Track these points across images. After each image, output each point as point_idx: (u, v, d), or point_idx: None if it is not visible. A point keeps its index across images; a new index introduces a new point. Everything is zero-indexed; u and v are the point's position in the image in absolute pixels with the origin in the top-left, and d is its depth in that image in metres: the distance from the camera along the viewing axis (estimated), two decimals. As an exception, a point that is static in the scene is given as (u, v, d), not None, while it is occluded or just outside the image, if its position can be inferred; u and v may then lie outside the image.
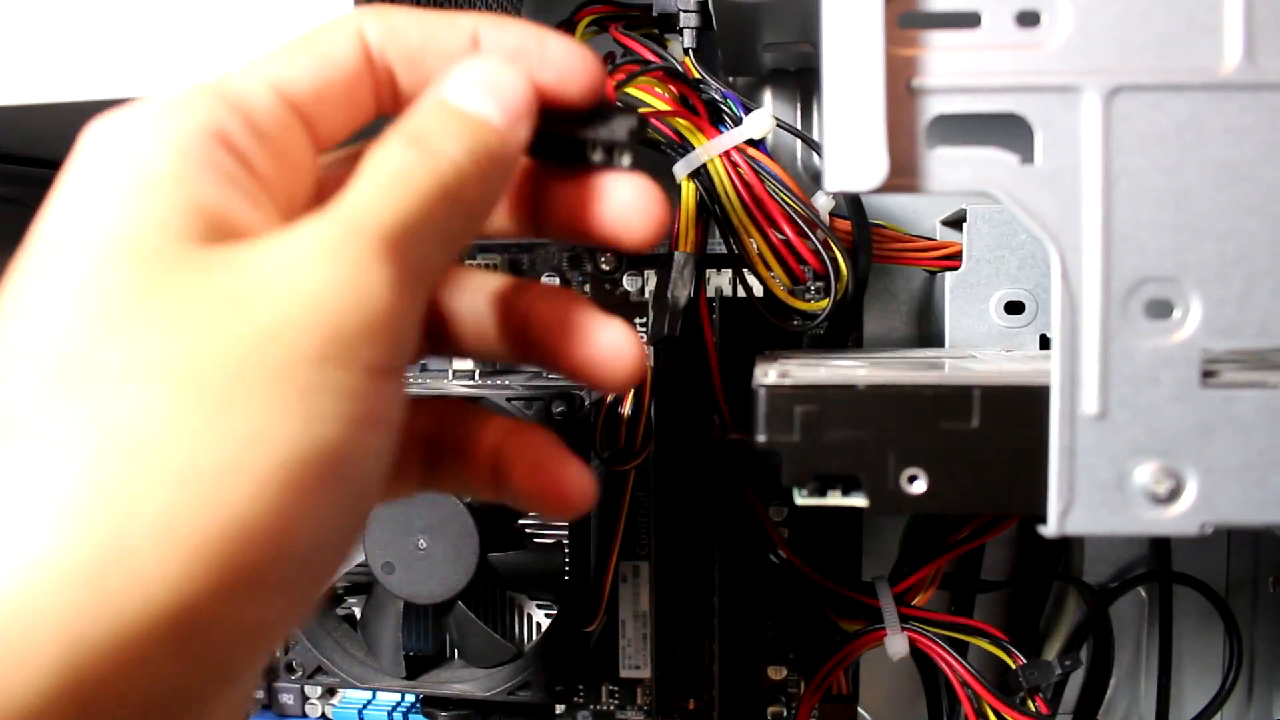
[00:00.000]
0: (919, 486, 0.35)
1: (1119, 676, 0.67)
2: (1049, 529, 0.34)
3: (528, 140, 0.31)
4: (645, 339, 0.58)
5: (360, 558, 0.54)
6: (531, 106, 0.31)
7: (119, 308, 0.23)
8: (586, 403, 0.57)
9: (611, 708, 0.67)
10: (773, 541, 0.53)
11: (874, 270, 0.62)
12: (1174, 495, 0.34)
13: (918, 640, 0.50)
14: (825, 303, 0.47)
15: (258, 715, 0.69)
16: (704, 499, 0.59)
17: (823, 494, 0.36)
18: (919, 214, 0.63)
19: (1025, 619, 0.66)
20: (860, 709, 0.68)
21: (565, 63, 0.32)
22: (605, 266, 0.64)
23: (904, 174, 0.34)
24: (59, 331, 0.23)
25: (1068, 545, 0.64)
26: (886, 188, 0.34)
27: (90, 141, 0.26)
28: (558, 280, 0.64)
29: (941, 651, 0.50)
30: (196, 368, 0.22)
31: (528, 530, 0.57)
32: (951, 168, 0.34)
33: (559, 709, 0.64)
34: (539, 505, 0.35)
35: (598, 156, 0.32)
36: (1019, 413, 0.35)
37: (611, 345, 0.33)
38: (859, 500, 0.36)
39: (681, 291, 0.47)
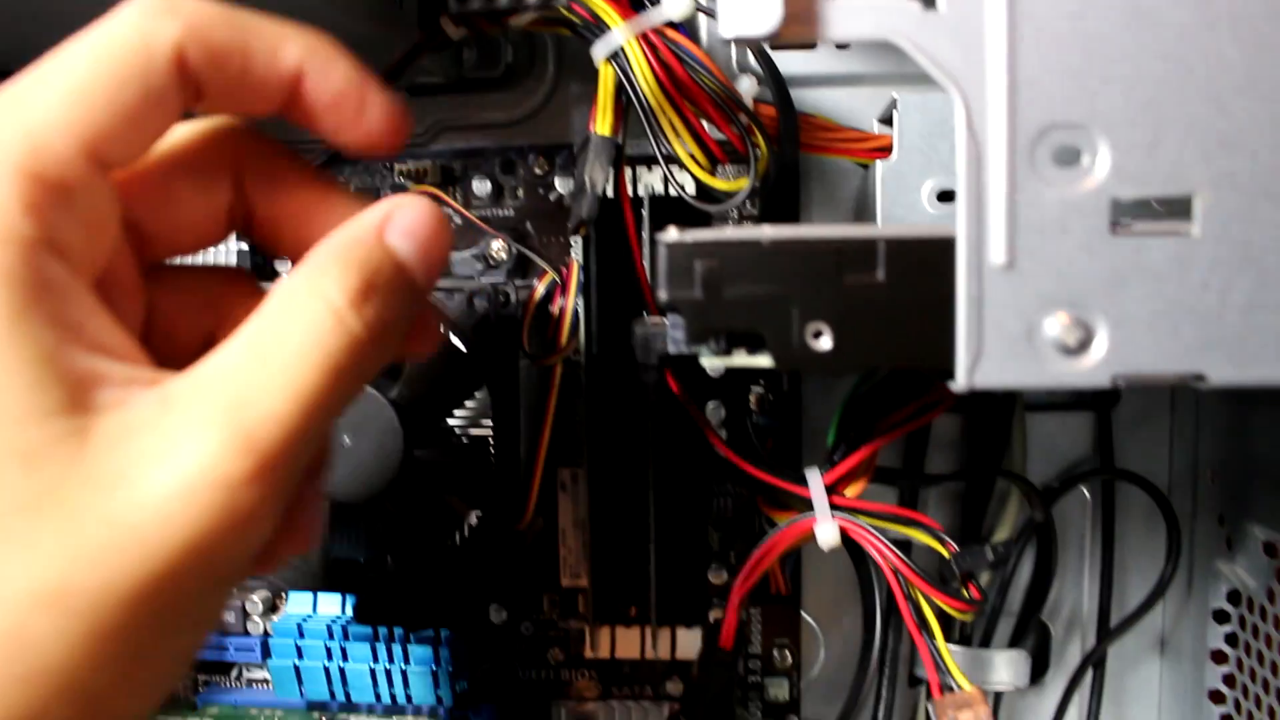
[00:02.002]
0: (825, 343, 0.35)
1: (1064, 576, 0.67)
2: (958, 382, 0.34)
3: None
4: (570, 231, 0.57)
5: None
6: None
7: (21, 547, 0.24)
8: (513, 298, 0.56)
9: (554, 617, 0.67)
10: (707, 438, 0.52)
11: (815, 173, 0.61)
12: (1084, 346, 0.33)
13: (849, 529, 0.50)
14: (744, 181, 0.46)
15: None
16: (640, 401, 0.58)
17: (728, 353, 0.36)
18: (855, 114, 0.62)
19: (970, 522, 0.65)
20: (804, 613, 0.68)
21: (381, 123, 0.31)
22: (538, 170, 0.63)
23: (802, 22, 0.33)
24: None
25: (1009, 443, 0.64)
26: (784, 36, 0.33)
27: None
28: (489, 185, 0.63)
29: (872, 538, 0.49)
30: (75, 592, 0.24)
31: (455, 428, 0.56)
32: (851, 16, 0.33)
33: (499, 614, 0.64)
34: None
35: None
36: (925, 265, 0.34)
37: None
38: (764, 359, 0.35)
39: (599, 175, 0.46)
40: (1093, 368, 0.34)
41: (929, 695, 0.51)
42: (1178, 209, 0.34)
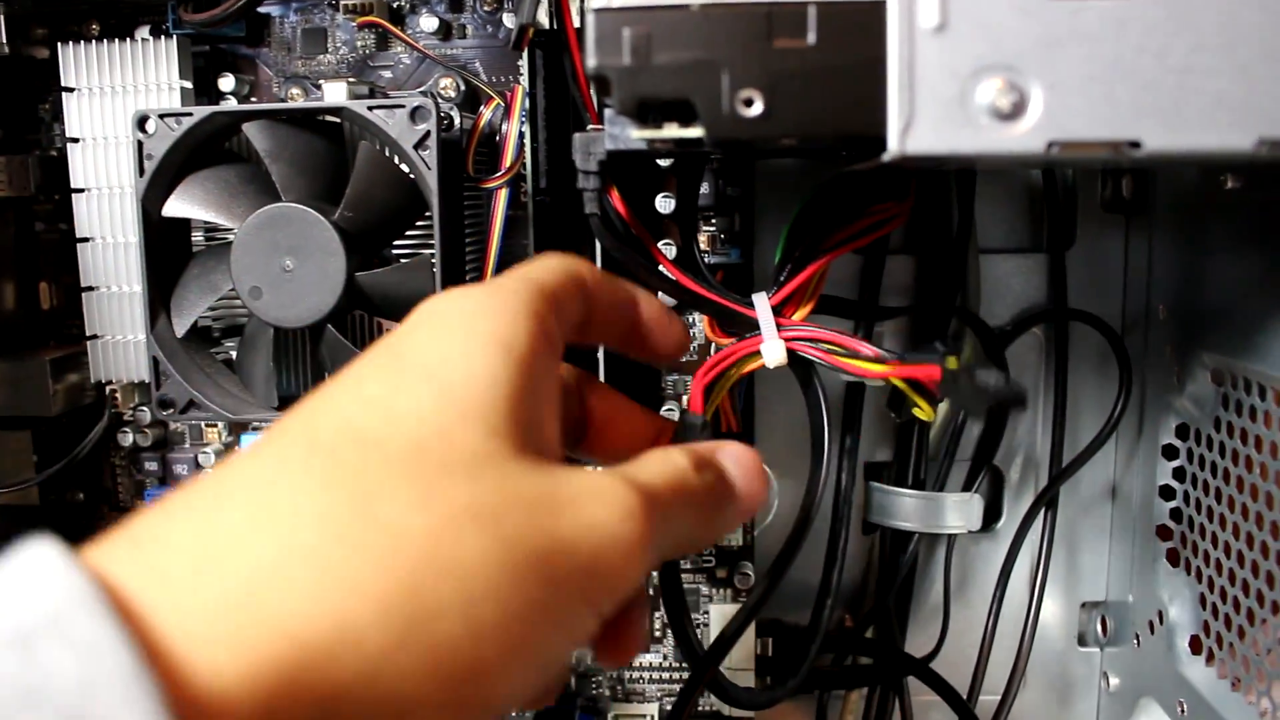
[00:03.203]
0: (756, 109, 0.34)
1: (1017, 420, 0.68)
2: (890, 148, 0.33)
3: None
4: (511, 45, 0.57)
5: (229, 287, 0.53)
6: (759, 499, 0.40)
7: (480, 480, 0.29)
8: (456, 122, 0.55)
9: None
10: (654, 259, 0.52)
11: None
12: (1018, 111, 0.33)
13: (795, 347, 0.49)
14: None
15: (153, 488, 0.69)
16: (586, 234, 0.58)
17: (659, 126, 0.35)
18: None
19: (923, 364, 0.65)
20: (758, 458, 0.68)
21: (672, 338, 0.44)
22: (486, 7, 0.61)
23: None
24: (438, 468, 0.28)
25: (963, 285, 0.64)
26: None
27: (468, 315, 0.33)
28: (436, 22, 0.61)
29: (819, 352, 0.49)
30: (510, 558, 0.28)
31: (396, 252, 0.55)
32: None
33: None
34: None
35: None
36: (856, 28, 0.33)
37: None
38: (695, 130, 0.35)
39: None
40: (1027, 133, 0.33)
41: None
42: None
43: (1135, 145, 0.33)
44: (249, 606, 0.24)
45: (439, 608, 0.26)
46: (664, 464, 0.35)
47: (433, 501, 0.27)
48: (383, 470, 0.28)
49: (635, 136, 0.36)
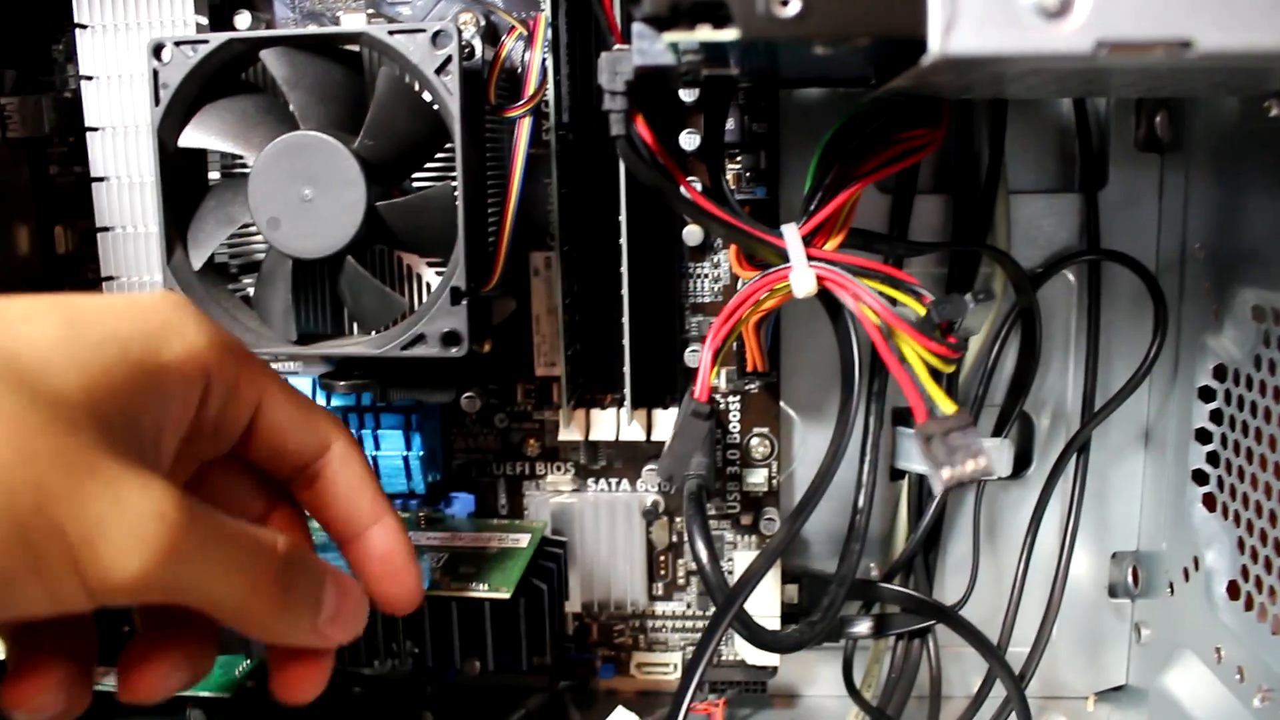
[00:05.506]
0: (792, 7, 0.33)
1: (1048, 365, 0.66)
2: (931, 50, 0.32)
3: None
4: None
5: (247, 218, 0.52)
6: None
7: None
8: (478, 51, 0.54)
9: (528, 408, 0.66)
10: (678, 182, 0.50)
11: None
12: (1065, 9, 0.31)
13: (825, 278, 0.48)
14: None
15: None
16: (611, 172, 0.56)
17: (692, 28, 0.34)
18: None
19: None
20: (783, 404, 0.67)
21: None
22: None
23: None
24: None
25: (993, 224, 0.62)
26: None
27: None
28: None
29: (850, 284, 0.47)
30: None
31: (416, 186, 0.54)
32: None
33: (473, 404, 0.63)
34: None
35: None
36: (898, -79, 0.32)
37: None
38: (729, 32, 0.33)
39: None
40: (1074, 32, 0.32)
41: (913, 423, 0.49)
42: None
43: (1186, 45, 0.32)
44: None
45: None
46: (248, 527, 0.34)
47: None
48: None
49: (666, 40, 0.34)
